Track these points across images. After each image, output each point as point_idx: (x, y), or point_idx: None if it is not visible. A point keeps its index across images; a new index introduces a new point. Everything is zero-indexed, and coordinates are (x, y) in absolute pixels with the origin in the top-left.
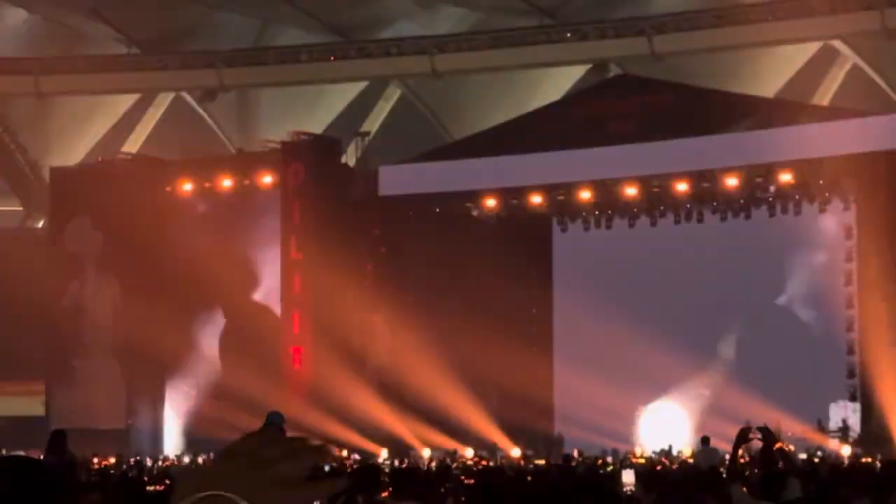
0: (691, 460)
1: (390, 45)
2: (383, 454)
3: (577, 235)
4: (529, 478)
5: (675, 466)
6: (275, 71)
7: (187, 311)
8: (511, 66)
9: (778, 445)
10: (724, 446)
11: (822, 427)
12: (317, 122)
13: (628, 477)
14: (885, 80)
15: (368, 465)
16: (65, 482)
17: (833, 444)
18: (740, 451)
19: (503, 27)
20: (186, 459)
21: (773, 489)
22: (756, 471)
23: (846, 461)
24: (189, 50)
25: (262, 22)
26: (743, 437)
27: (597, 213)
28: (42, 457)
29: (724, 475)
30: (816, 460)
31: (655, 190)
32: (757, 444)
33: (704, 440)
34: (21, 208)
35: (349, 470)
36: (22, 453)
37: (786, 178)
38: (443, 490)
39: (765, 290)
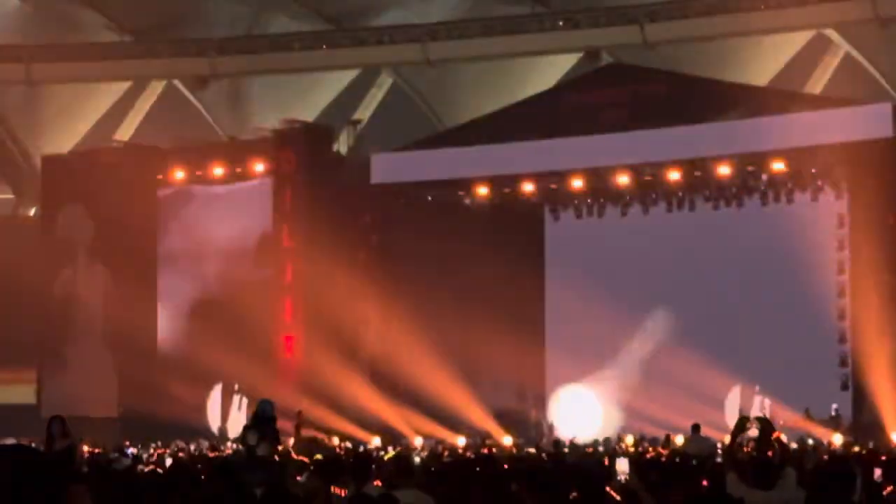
0: (683, 448)
1: (382, 34)
2: (375, 442)
3: (569, 224)
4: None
5: (666, 453)
6: (267, 59)
7: (178, 299)
8: (503, 55)
9: (775, 435)
10: (715, 435)
11: (813, 416)
12: (309, 110)
13: (622, 465)
14: (877, 69)
15: (360, 453)
16: (59, 472)
17: (824, 432)
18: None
19: (495, 15)
20: (178, 446)
21: (767, 478)
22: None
23: (838, 450)
24: (181, 38)
25: (255, 10)
26: (741, 426)
27: (589, 201)
28: (43, 444)
29: (720, 463)
30: (808, 449)
31: (647, 178)
32: (753, 433)
33: (695, 428)
34: (12, 196)
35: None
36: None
37: (778, 166)
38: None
39: (756, 278)
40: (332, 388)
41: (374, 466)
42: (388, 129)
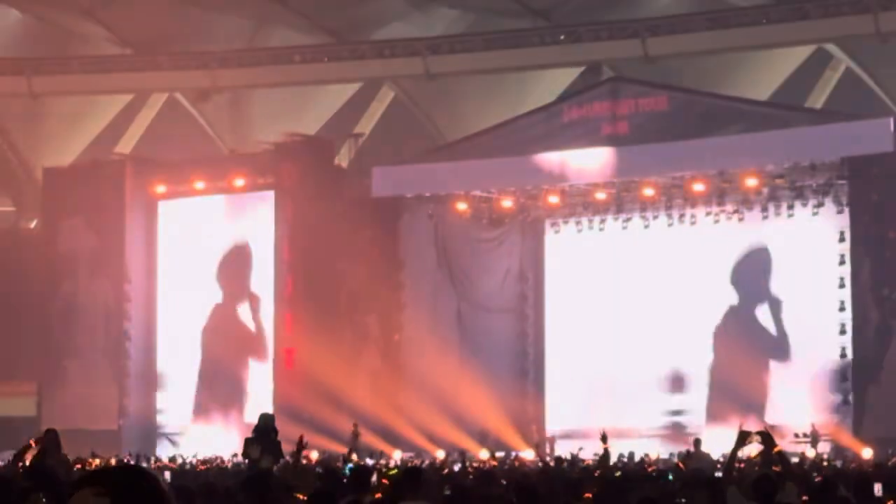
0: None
1: (384, 47)
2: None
3: (570, 237)
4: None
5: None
6: (268, 72)
7: (179, 312)
8: (504, 68)
9: (777, 449)
10: (716, 450)
11: (814, 430)
12: (310, 123)
13: None
14: (877, 84)
15: (360, 466)
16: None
17: (825, 447)
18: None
19: (496, 29)
20: (178, 461)
21: (768, 492)
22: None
23: (838, 464)
24: (182, 51)
25: (256, 23)
26: (742, 440)
27: (590, 214)
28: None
29: (721, 477)
30: (809, 463)
31: (649, 192)
32: (754, 447)
33: (697, 443)
34: (13, 208)
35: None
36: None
37: (779, 180)
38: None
39: (757, 292)
40: (332, 400)
41: (374, 479)
42: (390, 142)
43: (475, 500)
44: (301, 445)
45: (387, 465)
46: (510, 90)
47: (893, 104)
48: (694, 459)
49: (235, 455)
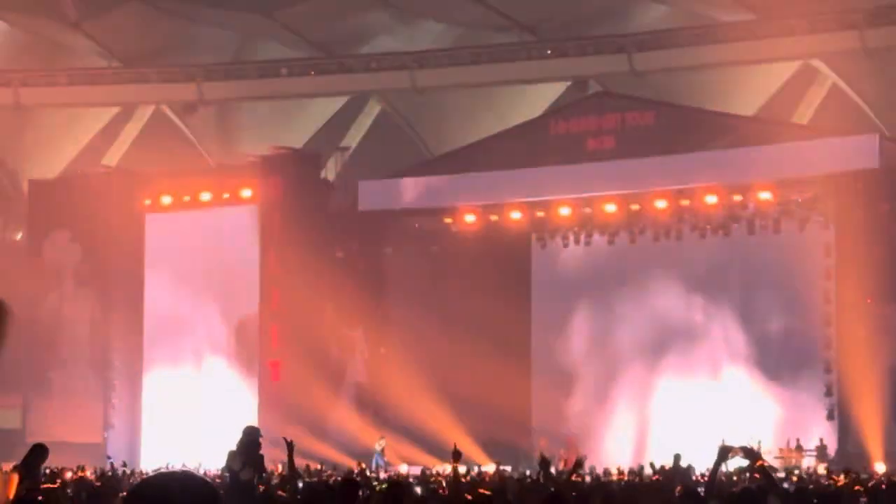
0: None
1: (371, 61)
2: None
3: (556, 252)
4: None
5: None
6: (255, 85)
7: (165, 324)
8: (491, 82)
9: (759, 463)
10: (700, 464)
11: (799, 445)
12: (297, 137)
13: None
14: (864, 100)
15: (348, 480)
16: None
17: (810, 462)
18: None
19: (483, 43)
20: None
21: None
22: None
23: (823, 480)
24: (169, 63)
25: (243, 36)
26: (723, 455)
27: (576, 229)
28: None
29: (703, 492)
30: (794, 479)
31: (634, 207)
32: (736, 461)
33: (677, 458)
34: None
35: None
36: None
37: (765, 196)
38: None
39: (743, 307)
40: (318, 414)
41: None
42: (376, 155)
43: None
44: (290, 447)
45: (377, 479)
46: (497, 104)
47: (879, 120)
48: (675, 474)
49: (218, 470)
